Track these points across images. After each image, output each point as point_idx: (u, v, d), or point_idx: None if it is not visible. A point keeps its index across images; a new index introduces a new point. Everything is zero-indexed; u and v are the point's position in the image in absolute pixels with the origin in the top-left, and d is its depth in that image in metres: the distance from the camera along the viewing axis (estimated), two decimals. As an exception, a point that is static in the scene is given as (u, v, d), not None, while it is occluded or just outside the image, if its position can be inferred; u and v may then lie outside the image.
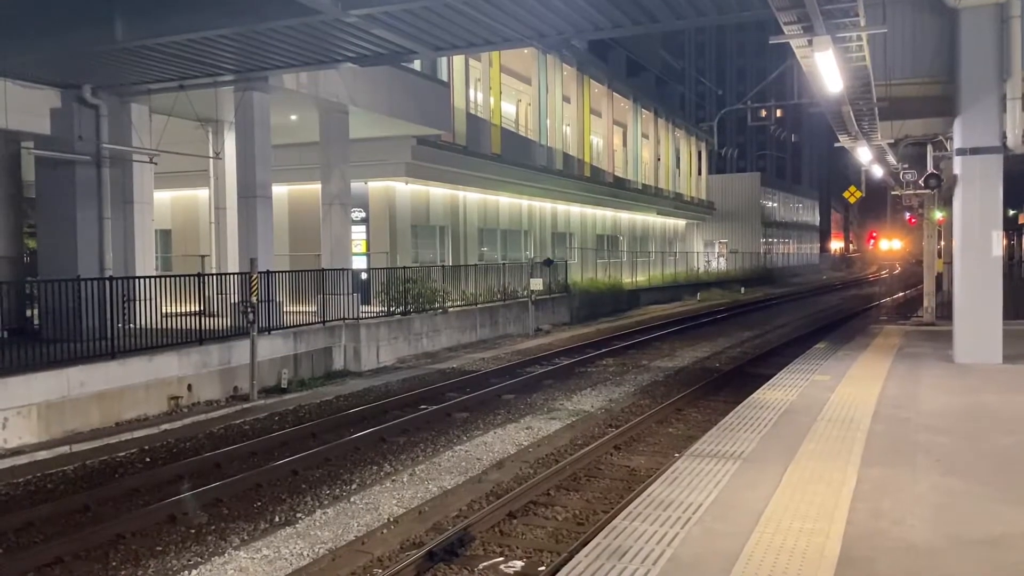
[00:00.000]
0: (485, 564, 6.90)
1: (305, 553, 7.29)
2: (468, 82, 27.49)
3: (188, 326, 14.39)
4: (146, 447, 11.04)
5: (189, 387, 13.51)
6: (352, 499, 8.76)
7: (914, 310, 23.87)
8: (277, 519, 8.19)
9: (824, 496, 6.30)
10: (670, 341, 23.05)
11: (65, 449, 10.71)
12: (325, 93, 17.73)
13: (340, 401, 14.29)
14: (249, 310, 14.15)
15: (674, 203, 51.95)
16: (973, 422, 8.91)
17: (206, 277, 15.80)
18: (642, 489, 7.97)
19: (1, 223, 16.72)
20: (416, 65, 21.34)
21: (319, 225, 19.90)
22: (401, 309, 19.70)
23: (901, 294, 41.01)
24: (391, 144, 22.79)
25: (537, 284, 25.31)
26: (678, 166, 54.84)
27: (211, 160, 19.57)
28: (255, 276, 14.56)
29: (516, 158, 30.27)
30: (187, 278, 15.05)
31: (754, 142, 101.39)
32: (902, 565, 5.02)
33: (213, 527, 7.99)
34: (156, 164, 17.23)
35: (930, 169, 17.81)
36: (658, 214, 49.57)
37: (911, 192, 19.30)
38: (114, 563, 7.12)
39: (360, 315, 18.33)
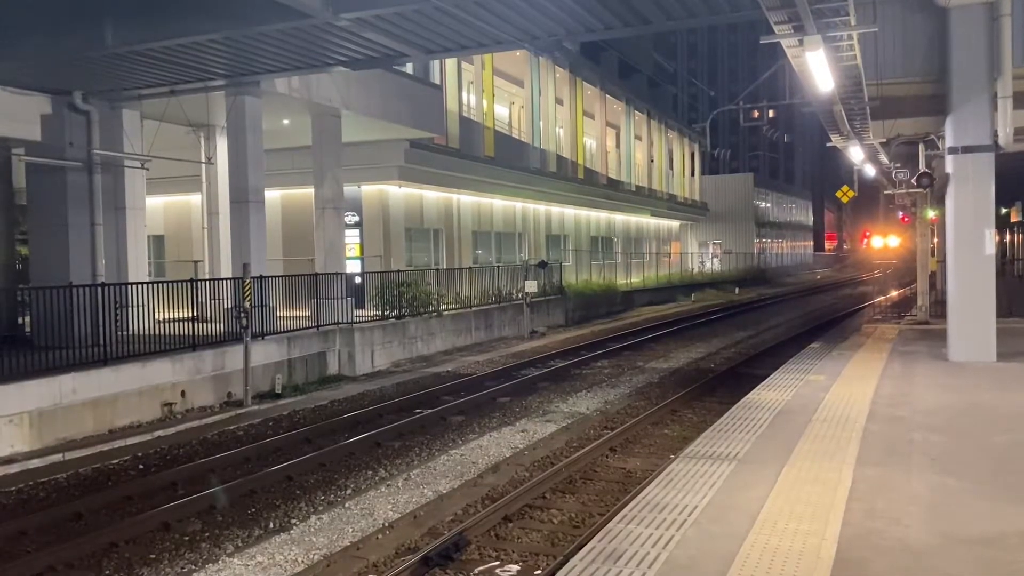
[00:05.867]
0: (481, 568, 6.87)
1: (300, 559, 7.25)
2: (461, 85, 27.46)
3: (181, 332, 14.33)
4: (139, 454, 10.98)
5: (183, 393, 13.45)
6: (347, 504, 8.73)
7: (908, 309, 23.90)
8: (272, 525, 8.15)
9: (820, 496, 6.29)
10: (665, 342, 23.05)
11: (58, 457, 10.64)
12: (317, 97, 17.69)
13: (334, 406, 14.25)
14: (242, 315, 14.10)
15: (668, 204, 52.00)
16: (968, 420, 8.92)
17: (199, 282, 15.75)
18: (638, 491, 7.96)
19: (-8, 230, 16.67)
20: (409, 68, 21.32)
21: (312, 229, 19.85)
22: (395, 313, 19.66)
23: (895, 293, 41.06)
24: (384, 147, 22.76)
25: (532, 286, 25.30)
26: (671, 167, 54.90)
27: (203, 165, 19.52)
28: (248, 281, 14.50)
29: (510, 160, 30.27)
30: (180, 284, 15.00)
31: (747, 143, 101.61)
32: (898, 565, 5.01)
33: (207, 534, 7.95)
34: (148, 170, 17.17)
35: (922, 168, 17.84)
36: (652, 215, 49.60)
37: (904, 191, 19.33)
38: (107, 571, 7.08)
39: (354, 319, 18.30)
